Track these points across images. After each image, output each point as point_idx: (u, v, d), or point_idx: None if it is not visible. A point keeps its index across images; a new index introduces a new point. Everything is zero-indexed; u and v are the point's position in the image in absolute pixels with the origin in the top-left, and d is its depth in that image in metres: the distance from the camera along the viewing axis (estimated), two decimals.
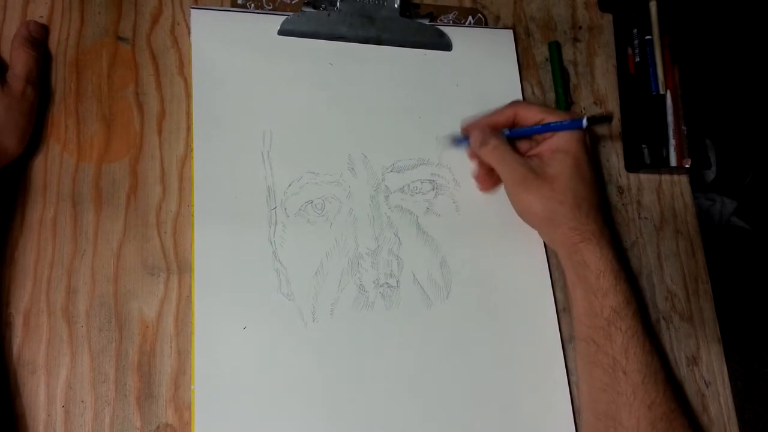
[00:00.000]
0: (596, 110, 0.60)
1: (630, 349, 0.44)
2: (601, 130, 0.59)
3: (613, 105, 0.61)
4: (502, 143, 0.50)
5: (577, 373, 0.49)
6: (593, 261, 0.46)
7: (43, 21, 0.51)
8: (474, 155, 0.53)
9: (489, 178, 0.53)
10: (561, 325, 0.52)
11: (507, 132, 0.51)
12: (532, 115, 0.50)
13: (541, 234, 0.52)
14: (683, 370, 0.53)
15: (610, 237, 0.48)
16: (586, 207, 0.48)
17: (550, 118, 0.50)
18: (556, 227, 0.48)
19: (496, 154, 0.50)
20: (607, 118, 0.49)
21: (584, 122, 0.48)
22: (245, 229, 0.48)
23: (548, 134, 0.50)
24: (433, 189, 0.53)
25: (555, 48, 0.60)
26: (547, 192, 0.47)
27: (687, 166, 0.57)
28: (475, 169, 0.54)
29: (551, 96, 0.59)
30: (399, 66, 0.56)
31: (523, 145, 0.52)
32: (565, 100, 0.59)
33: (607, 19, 0.63)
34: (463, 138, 0.54)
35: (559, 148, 0.49)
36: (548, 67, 0.60)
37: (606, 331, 0.45)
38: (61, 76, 0.50)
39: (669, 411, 0.44)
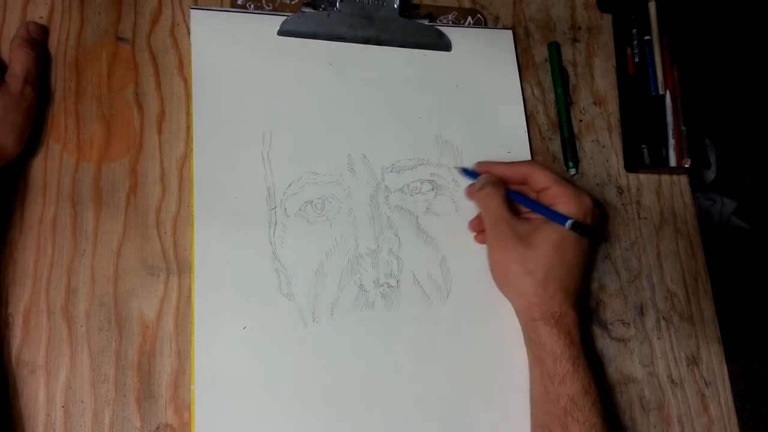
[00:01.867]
0: (596, 111, 0.60)
1: None
2: (602, 130, 0.60)
3: (612, 105, 0.61)
4: (496, 193, 0.48)
5: None
6: (549, 343, 0.45)
7: (43, 21, 0.51)
8: (470, 196, 0.52)
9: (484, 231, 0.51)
10: None
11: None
12: (540, 180, 0.49)
13: (505, 296, 0.50)
14: (683, 370, 0.53)
15: (576, 322, 0.46)
16: (554, 287, 0.46)
17: (555, 189, 0.48)
18: (516, 296, 0.47)
19: (485, 201, 0.49)
20: (593, 233, 0.47)
21: (567, 224, 0.46)
22: (245, 229, 0.48)
23: (549, 201, 0.48)
24: (432, 189, 0.53)
25: (554, 48, 0.60)
26: (518, 258, 0.46)
27: (686, 166, 0.57)
28: (472, 221, 0.52)
29: (551, 96, 0.59)
30: (399, 66, 0.56)
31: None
32: (564, 100, 0.59)
33: (607, 20, 0.64)
34: (472, 173, 0.53)
35: (549, 221, 0.47)
36: (548, 68, 0.60)
37: (562, 420, 0.43)
38: (61, 76, 0.50)
39: None
